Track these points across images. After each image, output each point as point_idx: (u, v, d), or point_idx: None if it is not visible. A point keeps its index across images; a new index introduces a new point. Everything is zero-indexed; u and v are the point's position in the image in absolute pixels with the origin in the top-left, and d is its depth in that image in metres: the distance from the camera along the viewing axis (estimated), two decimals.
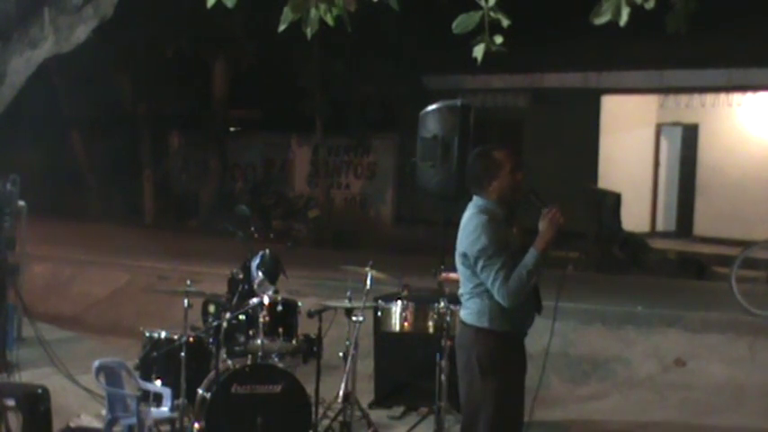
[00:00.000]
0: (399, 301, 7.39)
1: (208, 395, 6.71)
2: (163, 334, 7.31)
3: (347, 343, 7.39)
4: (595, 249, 15.40)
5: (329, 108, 19.73)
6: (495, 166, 5.22)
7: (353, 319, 7.24)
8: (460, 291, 5.34)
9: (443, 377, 6.83)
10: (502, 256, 5.07)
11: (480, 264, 5.08)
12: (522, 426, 5.37)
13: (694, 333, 9.79)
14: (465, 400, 5.34)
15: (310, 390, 6.98)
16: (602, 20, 4.47)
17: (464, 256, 5.18)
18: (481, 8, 4.48)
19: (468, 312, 5.26)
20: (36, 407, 6.49)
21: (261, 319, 6.97)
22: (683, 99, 18.13)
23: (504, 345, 5.20)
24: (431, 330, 7.05)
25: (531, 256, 5.06)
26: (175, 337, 7.17)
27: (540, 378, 5.55)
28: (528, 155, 18.56)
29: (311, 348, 7.24)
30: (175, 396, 6.88)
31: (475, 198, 5.29)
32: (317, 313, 7.22)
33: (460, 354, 5.34)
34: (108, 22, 8.00)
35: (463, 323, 5.31)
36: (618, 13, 4.42)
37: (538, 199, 5.24)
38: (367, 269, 7.32)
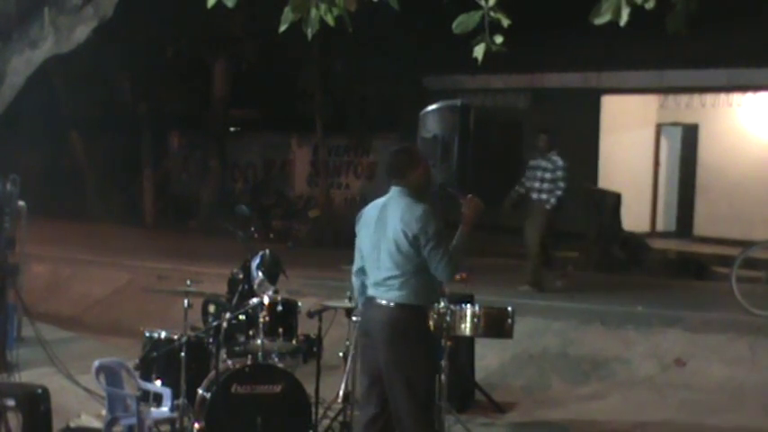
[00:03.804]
0: None
1: (208, 395, 6.70)
2: (163, 334, 7.30)
3: (347, 343, 7.39)
4: (595, 249, 15.37)
5: (329, 108, 19.73)
6: (416, 159, 5.93)
7: (353, 319, 7.23)
8: (388, 274, 5.73)
9: (443, 377, 6.82)
10: (445, 238, 5.75)
11: (432, 244, 5.66)
12: None
13: (694, 333, 9.78)
14: (392, 369, 5.73)
15: (310, 390, 6.97)
16: (602, 20, 4.47)
17: (416, 237, 5.67)
18: (481, 8, 4.48)
19: (404, 293, 5.72)
20: (36, 407, 6.48)
21: (261, 319, 6.96)
22: (683, 99, 18.11)
23: (427, 317, 5.95)
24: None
25: (462, 237, 5.78)
26: (175, 337, 7.17)
27: (472, 363, 5.57)
28: (528, 155, 18.58)
29: (311, 348, 7.24)
30: (175, 396, 6.88)
31: (396, 188, 5.85)
32: (317, 313, 7.21)
33: (386, 330, 5.73)
34: (108, 22, 8.00)
35: (396, 304, 5.72)
36: (618, 13, 4.42)
37: (453, 190, 6.11)
38: None
